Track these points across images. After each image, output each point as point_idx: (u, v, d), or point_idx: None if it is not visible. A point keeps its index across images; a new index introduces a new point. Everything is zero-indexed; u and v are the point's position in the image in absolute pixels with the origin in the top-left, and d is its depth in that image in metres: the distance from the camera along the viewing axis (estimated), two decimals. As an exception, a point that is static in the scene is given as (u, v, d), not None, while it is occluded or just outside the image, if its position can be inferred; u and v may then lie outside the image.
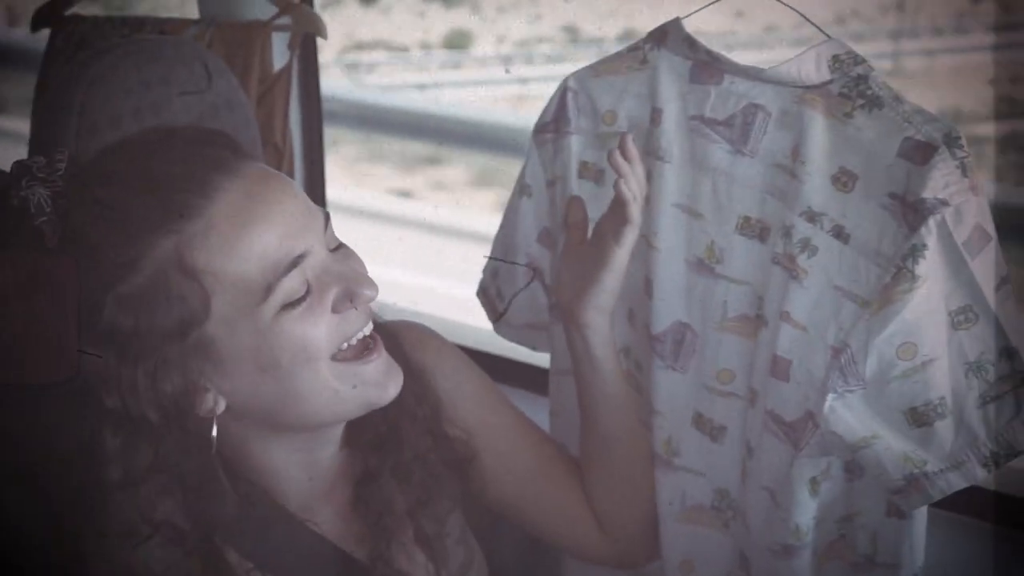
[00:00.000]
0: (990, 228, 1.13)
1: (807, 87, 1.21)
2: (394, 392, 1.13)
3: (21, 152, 1.44)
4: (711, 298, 1.28)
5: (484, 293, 1.48)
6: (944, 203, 1.11)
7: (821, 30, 1.20)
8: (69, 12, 1.96)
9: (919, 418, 1.15)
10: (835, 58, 1.20)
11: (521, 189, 1.43)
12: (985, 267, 1.13)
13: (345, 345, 1.09)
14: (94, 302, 1.03)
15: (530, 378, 1.65)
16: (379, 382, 1.12)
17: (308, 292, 1.07)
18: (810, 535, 1.23)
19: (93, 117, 1.38)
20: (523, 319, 1.46)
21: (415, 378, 1.23)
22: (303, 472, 1.17)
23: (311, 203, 1.10)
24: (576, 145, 1.37)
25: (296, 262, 1.05)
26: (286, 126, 1.83)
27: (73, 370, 1.11)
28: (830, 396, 1.16)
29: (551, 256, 1.41)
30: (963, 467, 1.15)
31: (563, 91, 1.38)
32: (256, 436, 1.13)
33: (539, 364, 1.57)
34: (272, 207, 1.06)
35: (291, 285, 1.05)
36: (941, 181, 1.11)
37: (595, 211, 1.36)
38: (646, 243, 1.32)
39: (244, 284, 1.04)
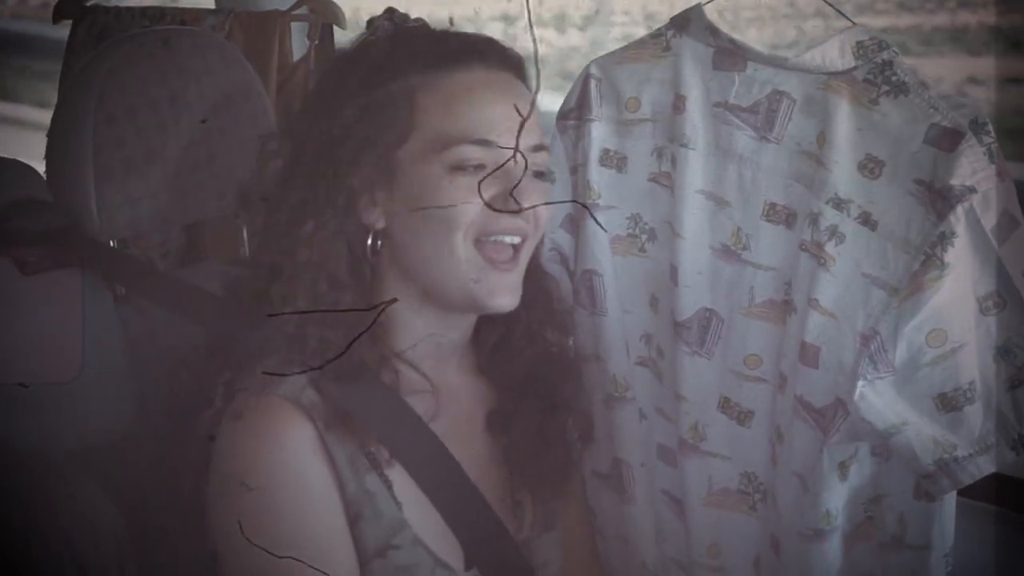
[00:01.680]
0: (1017, 213, 1.13)
1: (831, 73, 1.21)
2: (502, 305, 1.24)
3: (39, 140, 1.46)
4: (738, 284, 1.29)
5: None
6: (972, 190, 1.11)
7: (845, 16, 1.20)
8: (91, 3, 1.97)
9: (948, 403, 1.15)
10: (859, 44, 1.20)
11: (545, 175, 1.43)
12: (1012, 252, 1.13)
13: (488, 239, 1.22)
14: (346, 102, 1.23)
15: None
16: (493, 290, 1.23)
17: (478, 171, 1.20)
18: (839, 518, 1.24)
19: (110, 107, 1.40)
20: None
21: (561, 350, 1.36)
22: (430, 344, 1.26)
23: (533, 126, 1.23)
24: (598, 132, 1.37)
25: (481, 142, 1.21)
26: (307, 115, 1.83)
27: (75, 372, 1.18)
28: (860, 383, 1.17)
29: (574, 241, 1.41)
30: (992, 451, 1.15)
31: (585, 77, 1.38)
32: (398, 284, 1.25)
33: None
34: (495, 99, 1.23)
35: (466, 154, 1.21)
36: (968, 168, 1.11)
37: (616, 199, 1.37)
38: (671, 230, 1.32)
39: (438, 133, 1.21)
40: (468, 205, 1.20)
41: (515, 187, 1.20)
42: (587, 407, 1.40)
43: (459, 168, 1.21)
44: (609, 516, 1.44)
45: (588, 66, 1.38)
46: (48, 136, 1.45)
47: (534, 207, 1.23)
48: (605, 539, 1.45)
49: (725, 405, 1.31)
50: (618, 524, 1.43)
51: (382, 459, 1.22)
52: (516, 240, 1.24)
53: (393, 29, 1.28)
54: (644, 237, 1.36)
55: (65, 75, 1.91)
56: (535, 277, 1.32)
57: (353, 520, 1.20)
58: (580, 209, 1.39)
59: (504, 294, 1.24)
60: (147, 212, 1.43)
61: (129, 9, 1.93)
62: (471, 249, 1.22)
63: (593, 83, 1.37)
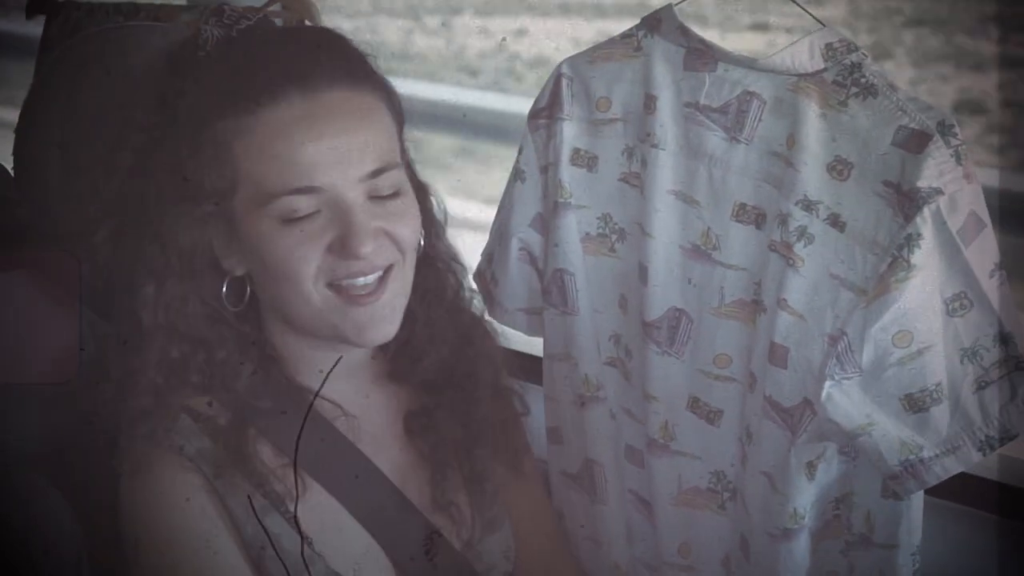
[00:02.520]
0: (984, 215, 1.14)
1: (801, 75, 1.21)
2: (371, 340, 1.20)
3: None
4: (708, 284, 1.29)
5: (480, 277, 1.49)
6: (939, 192, 1.12)
7: (815, 18, 1.21)
8: (63, -1, 1.95)
9: (915, 404, 1.16)
10: (828, 46, 1.20)
11: (516, 174, 1.43)
12: (979, 254, 1.14)
13: (341, 283, 1.17)
14: (176, 139, 1.17)
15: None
16: (360, 326, 1.19)
17: (312, 218, 1.15)
18: (807, 517, 1.25)
19: (77, 104, 1.39)
20: (517, 304, 1.46)
21: (471, 339, 1.32)
22: (342, 371, 1.22)
23: (369, 151, 1.17)
24: (569, 131, 1.37)
25: (305, 190, 1.14)
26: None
27: (73, 372, 1.17)
28: (827, 384, 1.17)
29: (543, 240, 1.41)
30: (959, 451, 1.16)
31: (557, 77, 1.38)
32: (279, 323, 1.22)
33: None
34: (316, 135, 1.15)
35: (290, 205, 1.14)
36: (935, 170, 1.12)
37: (587, 199, 1.37)
38: (640, 230, 1.32)
39: (259, 185, 1.15)
40: (308, 256, 1.15)
41: (341, 238, 1.16)
42: (507, 386, 1.37)
43: (289, 220, 1.15)
44: (579, 517, 1.44)
45: (560, 65, 1.38)
46: (16, 132, 1.44)
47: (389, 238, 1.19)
48: (575, 541, 1.44)
49: (694, 405, 1.32)
50: (589, 525, 1.43)
51: (286, 495, 1.19)
52: (373, 278, 1.19)
53: (223, 35, 1.20)
54: (614, 237, 1.36)
55: (38, 72, 1.89)
56: (429, 271, 1.28)
57: (257, 562, 1.18)
58: (550, 208, 1.39)
59: (373, 328, 1.19)
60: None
61: (103, 5, 1.91)
62: (325, 292, 1.17)
63: (564, 82, 1.37)
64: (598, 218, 1.37)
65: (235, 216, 1.17)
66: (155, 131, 1.20)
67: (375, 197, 1.17)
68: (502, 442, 1.36)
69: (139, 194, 1.19)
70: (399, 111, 1.24)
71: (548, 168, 1.40)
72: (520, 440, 1.39)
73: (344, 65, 1.19)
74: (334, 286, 1.17)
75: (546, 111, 1.39)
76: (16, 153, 1.45)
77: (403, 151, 1.26)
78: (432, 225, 1.31)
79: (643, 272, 1.32)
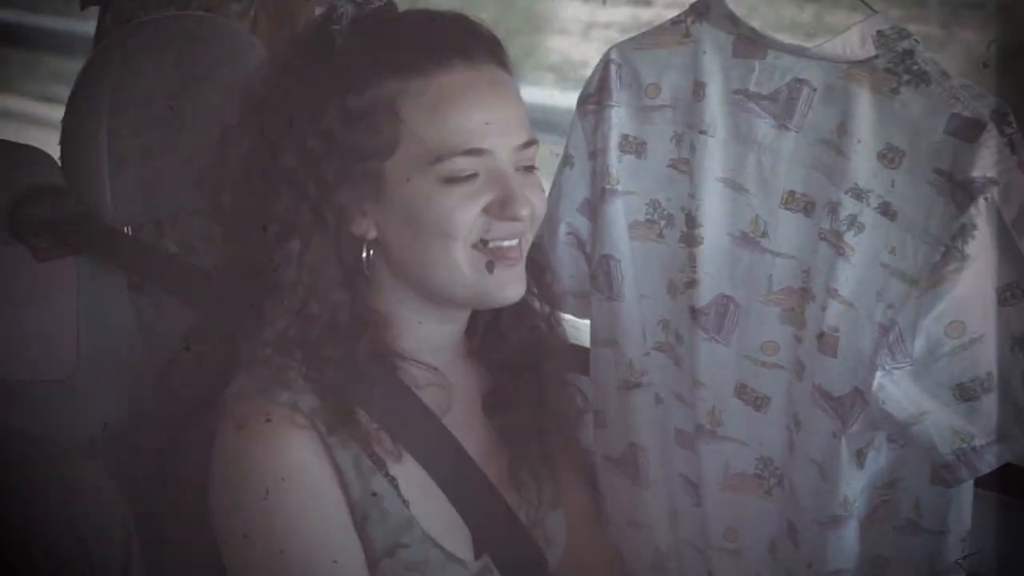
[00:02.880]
0: None
1: (852, 63, 1.20)
2: (510, 296, 1.24)
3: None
4: (756, 271, 1.29)
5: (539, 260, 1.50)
6: (993, 182, 1.11)
7: (867, 4, 1.20)
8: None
9: (966, 393, 1.16)
10: (880, 33, 1.20)
11: (565, 159, 1.44)
12: None
13: (487, 244, 1.21)
14: (323, 103, 1.19)
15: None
16: (499, 284, 1.22)
17: (471, 180, 1.19)
18: (856, 505, 1.25)
19: (125, 93, 1.40)
20: (565, 287, 1.47)
21: (549, 324, 1.36)
22: (431, 338, 1.27)
23: (522, 123, 1.23)
24: (617, 118, 1.37)
25: (473, 152, 1.18)
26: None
27: (72, 367, 1.19)
28: (878, 373, 1.17)
29: (591, 225, 1.42)
30: (1010, 440, 1.16)
31: (606, 63, 1.38)
32: (395, 287, 1.24)
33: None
34: (482, 102, 1.20)
35: (458, 166, 1.18)
36: (990, 159, 1.11)
37: (635, 184, 1.37)
38: (689, 218, 1.32)
39: (426, 145, 1.18)
40: (466, 215, 1.19)
41: (503, 199, 1.20)
42: (578, 385, 1.40)
43: (451, 180, 1.19)
44: (620, 501, 1.44)
45: (608, 51, 1.38)
46: (63, 123, 1.46)
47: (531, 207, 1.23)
48: (616, 525, 1.45)
49: (741, 391, 1.32)
50: (630, 509, 1.44)
51: (388, 458, 1.22)
52: (515, 242, 1.23)
53: (356, 12, 1.23)
54: (662, 223, 1.36)
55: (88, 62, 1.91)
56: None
57: (360, 522, 1.20)
58: (598, 193, 1.39)
59: (511, 286, 1.23)
60: (162, 199, 1.43)
61: (157, -4, 1.94)
62: (472, 252, 1.21)
63: (613, 68, 1.38)
64: (646, 204, 1.37)
65: (387, 177, 1.20)
66: (281, 99, 1.22)
67: (520, 168, 1.22)
68: (564, 432, 1.39)
69: (262, 158, 1.21)
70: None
71: (596, 154, 1.40)
72: (576, 432, 1.43)
73: (492, 44, 1.25)
74: (480, 248, 1.21)
75: (595, 97, 1.39)
76: (64, 142, 1.46)
77: None
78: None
79: (692, 259, 1.32)
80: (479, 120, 1.19)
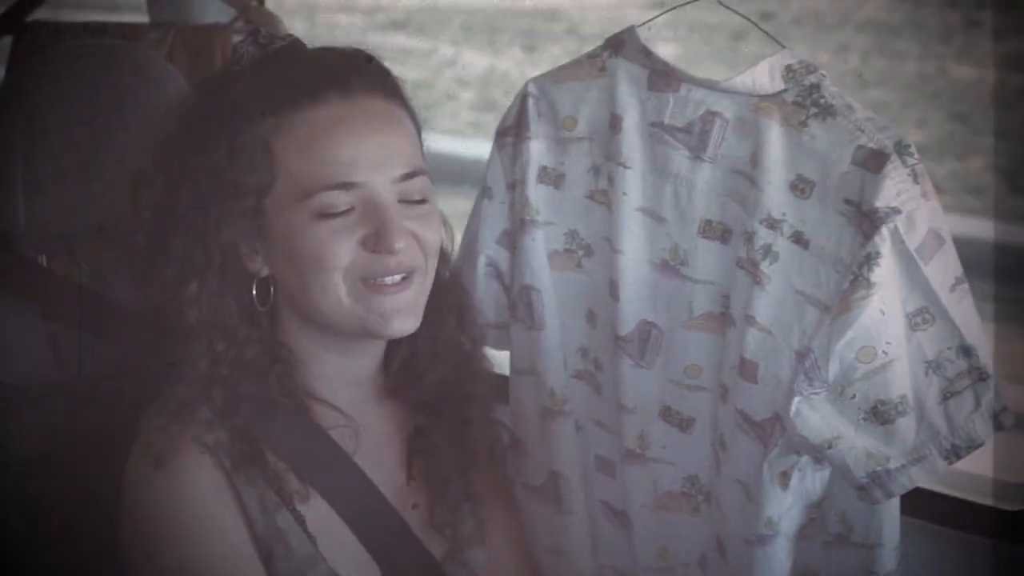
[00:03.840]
0: (943, 231, 1.16)
1: (762, 96, 1.23)
2: (397, 329, 1.23)
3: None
4: (677, 298, 1.31)
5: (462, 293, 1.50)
6: (896, 211, 1.14)
7: (775, 39, 1.22)
8: (31, 18, 1.96)
9: (881, 416, 1.18)
10: (788, 68, 1.23)
11: (483, 191, 1.45)
12: (939, 270, 1.16)
13: (372, 280, 1.21)
14: (212, 142, 1.20)
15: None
16: (385, 315, 1.22)
17: (346, 214, 1.19)
18: (782, 524, 1.26)
19: (43, 120, 1.40)
20: (485, 319, 1.47)
21: (470, 362, 1.35)
22: (340, 376, 1.27)
23: (401, 155, 1.22)
24: (536, 150, 1.39)
25: (344, 186, 1.19)
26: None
27: (73, 371, 1.19)
28: (796, 399, 1.19)
29: (510, 257, 1.43)
30: (925, 461, 1.19)
31: (524, 96, 1.40)
32: (297, 322, 1.25)
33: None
34: (354, 134, 1.20)
35: (329, 201, 1.19)
36: (893, 189, 1.14)
37: (553, 215, 1.38)
38: (609, 246, 1.34)
39: (298, 180, 1.19)
40: (341, 249, 1.19)
41: (377, 233, 1.20)
42: (497, 416, 1.40)
43: (324, 215, 1.19)
44: (541, 529, 1.45)
45: (526, 85, 1.40)
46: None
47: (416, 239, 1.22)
48: (536, 552, 1.45)
49: (667, 413, 1.34)
50: (551, 537, 1.44)
51: (294, 494, 1.22)
52: (399, 277, 1.22)
53: (258, 54, 1.24)
54: (581, 253, 1.38)
55: (4, 91, 1.89)
56: (440, 291, 1.31)
57: (265, 558, 1.20)
58: (517, 225, 1.40)
59: (397, 317, 1.23)
60: (77, 227, 1.42)
61: (70, 24, 1.93)
62: (355, 284, 1.21)
63: (531, 101, 1.39)
64: (565, 234, 1.39)
65: (267, 214, 1.21)
66: (184, 140, 1.23)
67: (404, 200, 1.22)
68: (491, 468, 1.39)
69: (168, 199, 1.23)
70: (419, 125, 1.30)
71: (515, 185, 1.41)
72: (502, 465, 1.42)
73: (376, 76, 1.25)
74: (364, 282, 1.21)
75: (513, 130, 1.41)
76: None
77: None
78: (441, 247, 1.33)
79: (614, 288, 1.34)
80: (349, 153, 1.20)
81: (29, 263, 1.43)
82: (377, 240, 1.19)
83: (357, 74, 1.23)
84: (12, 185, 1.40)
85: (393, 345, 1.30)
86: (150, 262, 1.23)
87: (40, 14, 1.94)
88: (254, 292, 1.23)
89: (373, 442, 1.29)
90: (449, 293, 1.34)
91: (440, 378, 1.33)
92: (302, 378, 1.25)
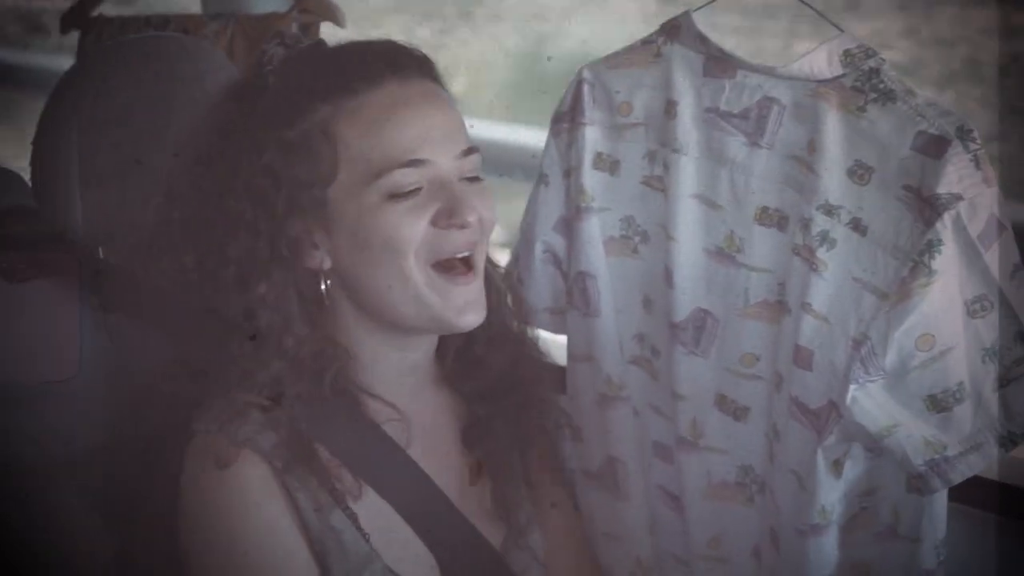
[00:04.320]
0: (1004, 218, 1.15)
1: (820, 81, 1.22)
2: (470, 322, 1.23)
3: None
4: (732, 286, 1.31)
5: (507, 277, 1.51)
6: (958, 197, 1.13)
7: (834, 24, 1.21)
8: (95, 13, 1.99)
9: (938, 404, 1.18)
10: (846, 52, 1.22)
11: (539, 178, 1.45)
12: (1000, 256, 1.15)
13: (441, 259, 1.21)
14: (262, 141, 1.20)
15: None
16: (459, 307, 1.22)
17: (415, 194, 1.19)
18: (835, 513, 1.26)
19: (99, 113, 1.40)
20: (542, 303, 1.48)
21: (521, 344, 1.36)
22: (394, 369, 1.27)
23: (460, 132, 1.24)
24: (591, 136, 1.39)
25: (413, 163, 1.19)
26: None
27: (74, 369, 1.20)
28: (852, 387, 1.19)
29: (566, 243, 1.43)
30: (982, 448, 1.18)
31: (579, 82, 1.40)
32: (355, 318, 1.24)
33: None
34: (417, 114, 1.21)
35: (400, 180, 1.19)
36: (955, 175, 1.13)
37: (609, 201, 1.38)
38: (665, 234, 1.34)
39: (366, 163, 1.19)
40: (414, 229, 1.19)
41: (450, 209, 1.20)
42: (556, 401, 1.40)
43: (394, 195, 1.19)
44: (598, 515, 1.45)
45: (581, 70, 1.40)
46: (33, 143, 1.46)
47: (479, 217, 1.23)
48: (594, 538, 1.46)
49: (721, 402, 1.33)
50: (608, 522, 1.45)
51: (347, 492, 1.22)
52: (467, 254, 1.23)
53: (286, 54, 1.24)
54: (637, 239, 1.38)
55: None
56: (487, 276, 1.30)
57: (321, 558, 1.21)
58: (573, 211, 1.40)
59: (470, 310, 1.23)
60: (134, 219, 1.43)
61: (134, 18, 1.95)
62: (428, 271, 1.21)
63: (586, 87, 1.39)
64: (620, 220, 1.39)
65: (332, 203, 1.20)
66: (225, 148, 1.23)
67: (464, 177, 1.23)
68: (545, 449, 1.40)
69: (216, 208, 1.22)
70: None
71: (570, 172, 1.42)
72: (558, 448, 1.43)
73: (421, 60, 1.26)
74: (435, 264, 1.21)
75: (568, 116, 1.41)
76: (34, 163, 1.46)
77: None
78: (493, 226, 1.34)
79: (668, 275, 1.34)
80: (415, 131, 1.20)
81: (87, 255, 1.44)
82: (450, 215, 1.20)
83: (406, 57, 1.24)
84: (69, 177, 1.41)
85: (447, 335, 1.30)
86: (200, 272, 1.23)
87: (105, 8, 1.97)
88: (323, 287, 1.23)
89: (428, 433, 1.29)
90: (492, 275, 1.33)
91: (498, 365, 1.34)
92: (356, 374, 1.25)
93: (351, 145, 1.19)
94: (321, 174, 1.20)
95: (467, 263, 1.23)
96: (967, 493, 1.25)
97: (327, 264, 1.22)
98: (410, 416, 1.27)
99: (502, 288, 1.35)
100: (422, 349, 1.29)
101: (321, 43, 1.26)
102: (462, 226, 1.20)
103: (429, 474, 1.27)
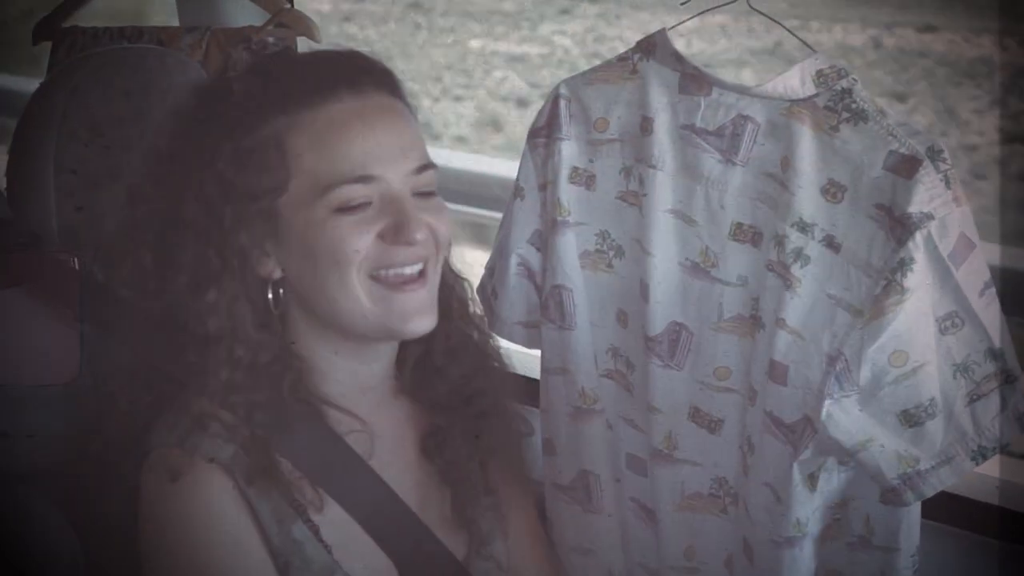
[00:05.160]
0: (973, 236, 1.17)
1: (793, 101, 1.24)
2: (416, 330, 1.24)
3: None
4: (707, 300, 1.32)
5: (482, 290, 1.52)
6: (929, 216, 1.15)
7: (806, 44, 1.23)
8: (68, 24, 1.98)
9: (911, 419, 1.19)
10: (819, 73, 1.24)
11: (515, 191, 1.46)
12: (969, 274, 1.17)
13: (385, 272, 1.21)
14: (217, 147, 1.20)
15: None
16: (404, 313, 1.22)
17: (363, 208, 1.20)
18: (809, 525, 1.28)
19: (73, 123, 1.41)
20: (516, 317, 1.49)
21: (481, 354, 1.36)
22: (353, 379, 1.27)
23: (414, 148, 1.24)
24: (567, 150, 1.40)
25: (362, 179, 1.19)
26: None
27: (74, 372, 1.20)
28: (827, 402, 1.21)
29: (541, 256, 1.44)
30: (953, 462, 1.20)
31: (555, 97, 1.41)
32: (308, 326, 1.25)
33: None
34: (369, 129, 1.21)
35: (348, 194, 1.19)
36: (926, 195, 1.15)
37: (585, 215, 1.40)
38: (640, 248, 1.35)
39: (316, 176, 1.19)
40: (359, 243, 1.20)
41: (396, 225, 1.20)
42: (516, 409, 1.40)
43: (343, 209, 1.19)
44: (569, 528, 1.46)
45: (558, 86, 1.41)
46: (9, 152, 1.46)
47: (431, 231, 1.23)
48: (563, 551, 1.47)
49: (695, 414, 1.35)
50: (579, 535, 1.46)
51: (309, 504, 1.22)
52: (416, 268, 1.23)
53: (251, 60, 1.26)
54: (611, 253, 1.39)
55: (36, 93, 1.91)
56: (447, 287, 1.31)
57: (283, 568, 1.21)
58: (548, 225, 1.41)
59: (416, 316, 1.23)
60: (108, 230, 1.43)
61: (107, 29, 1.94)
62: (369, 283, 1.21)
63: (563, 103, 1.40)
64: (596, 235, 1.40)
65: (282, 214, 1.21)
66: (183, 151, 1.23)
67: (418, 193, 1.23)
68: (507, 458, 1.39)
69: (172, 211, 1.22)
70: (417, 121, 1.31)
71: (547, 186, 1.43)
72: (522, 457, 1.42)
73: (381, 73, 1.26)
74: (378, 277, 1.21)
75: (544, 130, 1.42)
76: (10, 173, 1.47)
77: None
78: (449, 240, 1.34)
79: (644, 289, 1.35)
80: (366, 147, 1.20)
81: (62, 268, 1.44)
82: (396, 232, 1.20)
83: (365, 71, 1.24)
84: (45, 188, 1.41)
85: (405, 344, 1.31)
86: (158, 275, 1.23)
87: (77, 19, 1.96)
88: (270, 296, 1.23)
89: (389, 444, 1.30)
90: (453, 286, 1.34)
91: (457, 374, 1.34)
92: (315, 384, 1.25)
93: (303, 159, 1.20)
94: (272, 185, 1.20)
95: (415, 275, 1.23)
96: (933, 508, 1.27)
97: (277, 273, 1.23)
98: (372, 427, 1.27)
99: (464, 298, 1.36)
100: (380, 360, 1.29)
101: (286, 51, 1.29)
102: (408, 243, 1.21)
103: (391, 484, 1.28)
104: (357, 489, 1.25)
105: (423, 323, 1.24)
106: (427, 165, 1.24)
